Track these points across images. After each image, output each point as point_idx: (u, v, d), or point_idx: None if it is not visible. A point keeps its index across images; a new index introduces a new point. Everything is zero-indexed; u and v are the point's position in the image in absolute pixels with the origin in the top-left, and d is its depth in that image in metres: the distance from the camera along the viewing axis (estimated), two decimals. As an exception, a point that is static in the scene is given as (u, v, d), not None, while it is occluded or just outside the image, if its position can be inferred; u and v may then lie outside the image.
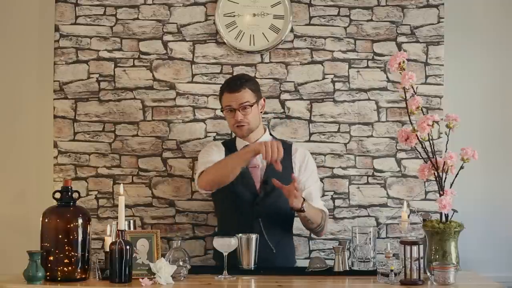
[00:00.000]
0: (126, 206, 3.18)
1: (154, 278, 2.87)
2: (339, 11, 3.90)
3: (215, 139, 3.84)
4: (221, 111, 3.50)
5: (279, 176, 3.31)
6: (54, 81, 3.86)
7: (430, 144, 3.02)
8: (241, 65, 3.88)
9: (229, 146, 3.51)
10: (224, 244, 3.04)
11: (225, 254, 3.03)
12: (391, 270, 2.89)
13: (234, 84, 3.42)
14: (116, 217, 3.06)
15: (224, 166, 3.34)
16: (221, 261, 3.08)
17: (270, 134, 3.58)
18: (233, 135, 3.58)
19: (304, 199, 3.28)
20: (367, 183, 3.88)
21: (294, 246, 3.63)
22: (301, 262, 3.77)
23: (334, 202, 3.87)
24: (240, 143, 3.49)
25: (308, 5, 3.89)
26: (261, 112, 3.50)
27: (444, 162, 2.99)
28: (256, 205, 3.39)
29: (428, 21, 3.89)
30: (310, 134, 3.88)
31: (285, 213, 3.44)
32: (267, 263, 3.26)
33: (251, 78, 3.55)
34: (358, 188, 3.88)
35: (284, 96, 3.88)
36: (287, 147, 3.49)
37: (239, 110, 3.39)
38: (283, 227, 3.50)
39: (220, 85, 3.53)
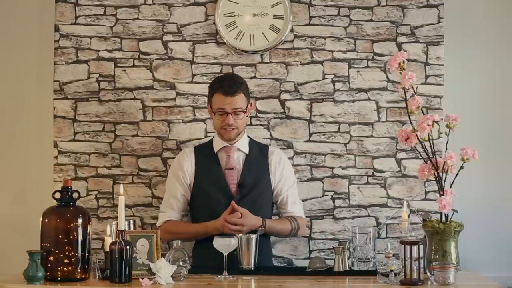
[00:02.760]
0: (126, 206, 3.19)
1: (154, 278, 2.87)
2: (339, 11, 3.90)
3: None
4: (211, 111, 3.47)
5: (255, 178, 3.40)
6: (54, 81, 3.86)
7: (430, 144, 3.02)
8: (241, 65, 3.88)
9: (204, 150, 3.50)
10: (224, 244, 3.04)
11: (225, 254, 3.03)
12: (391, 270, 2.89)
13: (230, 87, 3.38)
14: (116, 217, 3.06)
15: (191, 236, 3.43)
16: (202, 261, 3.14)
17: (248, 136, 3.58)
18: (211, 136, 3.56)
19: (262, 220, 3.34)
20: (367, 183, 3.88)
21: (271, 247, 3.64)
22: (301, 262, 3.78)
23: (334, 202, 3.87)
24: (218, 145, 3.48)
25: (308, 5, 3.89)
26: (247, 116, 3.51)
27: (444, 162, 2.99)
28: None
29: (428, 21, 3.89)
30: (310, 134, 3.88)
31: (262, 216, 3.42)
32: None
33: (243, 81, 3.52)
34: (358, 188, 3.88)
35: (284, 96, 3.88)
36: (264, 149, 3.55)
37: (231, 114, 3.38)
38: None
39: (210, 83, 3.51)
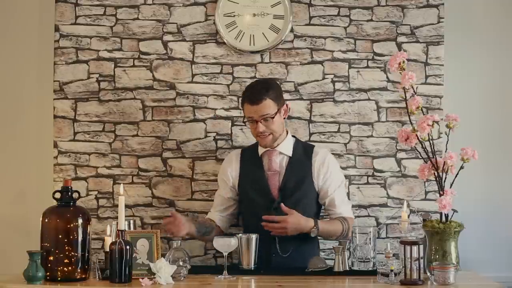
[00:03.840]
0: (126, 206, 3.19)
1: (154, 278, 2.87)
2: (339, 11, 3.90)
3: (214, 139, 3.84)
4: (243, 120, 3.55)
5: (297, 181, 3.41)
6: (54, 81, 3.86)
7: (430, 144, 3.02)
8: (241, 65, 3.88)
9: (250, 153, 3.53)
10: (224, 244, 3.04)
11: (225, 254, 3.03)
12: (391, 270, 2.89)
13: (254, 96, 3.37)
14: (116, 217, 3.06)
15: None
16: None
17: (293, 136, 3.58)
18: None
19: (314, 222, 3.33)
20: (367, 183, 3.88)
21: (318, 249, 3.61)
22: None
23: (334, 202, 3.86)
24: (261, 149, 3.51)
25: (308, 5, 3.89)
26: (284, 118, 3.49)
27: (444, 162, 2.99)
28: (274, 210, 3.37)
29: (428, 21, 3.89)
30: (310, 134, 3.88)
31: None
32: (279, 266, 3.34)
33: (273, 85, 3.47)
34: (358, 188, 3.88)
35: (284, 96, 3.87)
36: (308, 149, 3.53)
37: (260, 121, 3.37)
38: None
39: (243, 93, 3.49)
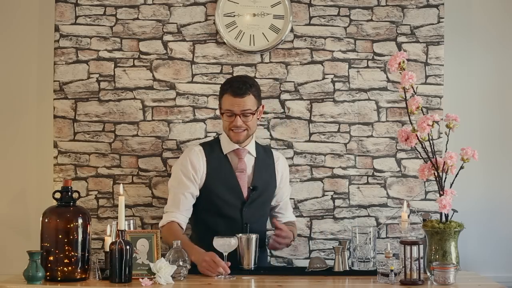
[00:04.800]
0: (126, 206, 3.19)
1: (154, 278, 2.87)
2: (339, 11, 3.90)
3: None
4: (220, 112, 3.44)
5: (265, 183, 3.41)
6: (54, 81, 3.86)
7: (430, 144, 3.02)
8: (241, 65, 3.88)
9: (214, 150, 3.44)
10: (224, 244, 3.04)
11: (225, 254, 3.03)
12: (391, 270, 2.89)
13: (239, 88, 3.31)
14: (116, 217, 3.06)
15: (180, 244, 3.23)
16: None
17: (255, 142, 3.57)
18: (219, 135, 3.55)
19: (292, 235, 3.48)
20: (367, 183, 3.88)
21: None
22: (301, 262, 3.78)
23: (334, 202, 3.87)
24: (228, 147, 3.43)
25: (308, 5, 3.89)
26: (258, 118, 3.46)
27: (444, 162, 2.99)
28: (245, 210, 3.39)
29: (428, 21, 3.89)
30: (310, 134, 3.88)
31: (266, 219, 3.55)
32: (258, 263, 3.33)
33: (255, 82, 3.45)
34: (358, 188, 3.88)
35: (284, 96, 3.88)
36: (268, 152, 3.57)
37: (240, 116, 3.33)
38: (262, 231, 3.49)
39: (221, 84, 3.47)
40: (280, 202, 3.56)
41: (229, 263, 3.06)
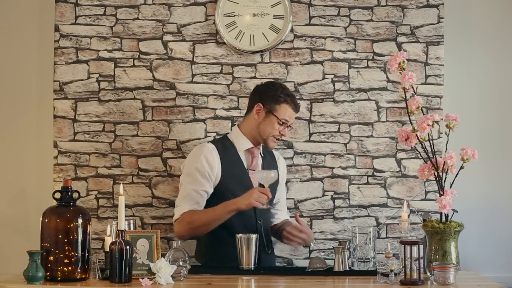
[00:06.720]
0: (126, 206, 3.18)
1: (154, 278, 2.87)
2: (339, 11, 3.90)
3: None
4: (267, 114, 3.39)
5: (273, 183, 3.39)
6: (54, 81, 3.86)
7: (430, 144, 3.02)
8: (241, 65, 3.88)
9: (226, 148, 3.44)
10: (266, 177, 3.22)
11: (266, 186, 3.19)
12: (391, 270, 2.89)
13: (298, 104, 3.45)
14: (116, 217, 3.06)
15: (211, 222, 3.29)
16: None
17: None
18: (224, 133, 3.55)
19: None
20: (367, 183, 3.88)
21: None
22: (301, 262, 3.78)
23: (334, 202, 3.87)
24: (243, 145, 3.44)
25: (308, 5, 3.89)
26: None
27: (444, 162, 2.99)
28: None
29: (428, 21, 3.89)
30: (310, 134, 3.88)
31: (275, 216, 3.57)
32: (265, 263, 3.37)
33: None
34: (358, 188, 3.88)
35: (284, 96, 3.88)
36: (270, 152, 3.60)
37: (288, 127, 3.43)
38: (272, 229, 3.54)
39: (271, 88, 3.42)
40: (280, 198, 3.59)
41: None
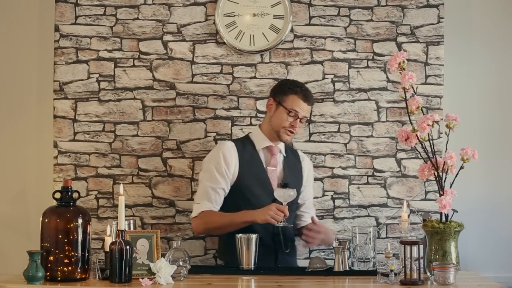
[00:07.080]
0: (126, 206, 3.18)
1: (154, 278, 2.87)
2: (339, 11, 3.90)
3: (214, 139, 3.84)
4: (277, 106, 3.42)
5: (294, 180, 3.43)
6: (54, 81, 3.86)
7: (430, 144, 3.02)
8: (241, 65, 3.88)
9: (245, 146, 3.47)
10: (284, 195, 3.22)
11: (284, 203, 3.20)
12: (391, 270, 2.89)
13: (309, 96, 3.44)
14: (116, 217, 3.06)
15: (226, 227, 3.35)
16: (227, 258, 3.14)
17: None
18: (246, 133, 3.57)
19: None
20: (367, 183, 3.88)
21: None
22: (301, 262, 3.77)
23: (334, 202, 3.87)
24: (261, 143, 3.47)
25: (308, 5, 3.89)
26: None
27: (444, 162, 2.99)
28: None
29: (428, 21, 3.89)
30: (310, 134, 3.88)
31: (293, 218, 3.52)
32: (282, 263, 3.40)
33: None
34: (358, 188, 3.88)
35: (284, 96, 3.88)
36: (295, 153, 3.62)
37: (300, 120, 3.41)
38: (291, 229, 3.50)
39: (281, 82, 3.52)
40: (305, 200, 3.58)
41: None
